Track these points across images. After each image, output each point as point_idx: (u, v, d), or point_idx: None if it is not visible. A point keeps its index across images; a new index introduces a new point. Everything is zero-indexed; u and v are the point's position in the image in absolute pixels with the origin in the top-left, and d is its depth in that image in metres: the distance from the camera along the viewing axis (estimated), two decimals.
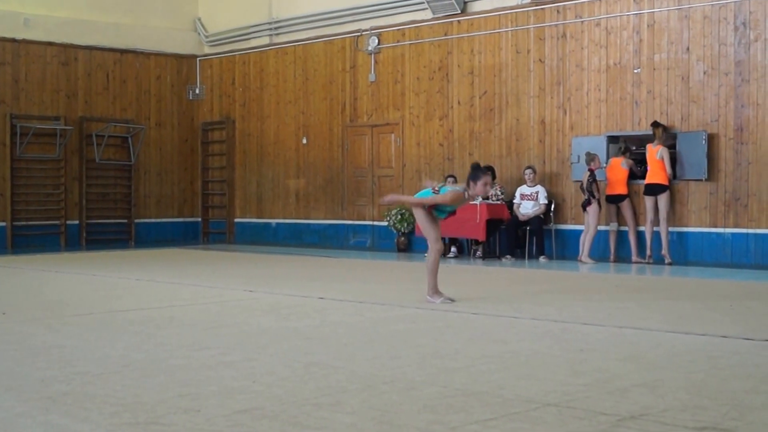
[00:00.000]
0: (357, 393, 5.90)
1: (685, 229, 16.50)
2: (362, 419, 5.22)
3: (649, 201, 16.43)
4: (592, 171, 16.83)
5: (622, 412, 5.34)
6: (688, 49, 16.62)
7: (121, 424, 5.17)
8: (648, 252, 16.47)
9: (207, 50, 25.23)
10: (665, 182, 16.29)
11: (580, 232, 17.62)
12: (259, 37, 23.91)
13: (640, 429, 4.97)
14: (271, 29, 23.61)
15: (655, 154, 16.32)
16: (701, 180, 16.31)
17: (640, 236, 16.71)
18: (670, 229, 16.35)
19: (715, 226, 16.27)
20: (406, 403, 5.60)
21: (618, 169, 16.90)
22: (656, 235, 16.47)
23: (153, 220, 24.66)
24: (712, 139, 16.22)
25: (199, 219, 25.48)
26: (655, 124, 16.43)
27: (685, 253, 16.51)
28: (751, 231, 15.89)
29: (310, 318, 9.67)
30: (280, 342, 8.03)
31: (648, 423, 5.09)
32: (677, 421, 5.12)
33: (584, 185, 16.93)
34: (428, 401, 5.64)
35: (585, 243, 16.89)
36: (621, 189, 16.90)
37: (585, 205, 16.95)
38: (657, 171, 16.31)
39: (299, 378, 6.42)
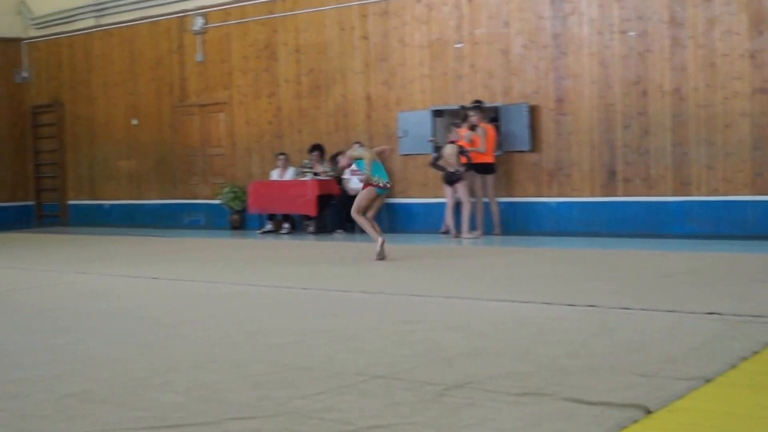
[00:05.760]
0: (185, 372, 5.62)
1: (510, 200, 15.79)
2: (190, 398, 4.98)
3: (482, 178, 15.48)
4: (455, 143, 15.17)
5: (447, 381, 5.16)
6: (507, 23, 15.81)
7: None
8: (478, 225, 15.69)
9: (32, 33, 23.33)
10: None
11: (409, 205, 16.95)
12: (84, 19, 22.16)
13: (465, 397, 4.81)
14: (96, 11, 21.86)
15: (493, 132, 15.40)
16: (525, 151, 15.60)
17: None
18: (498, 200, 15.63)
19: (540, 196, 15.58)
20: (234, 381, 5.36)
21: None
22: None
23: None
24: (533, 111, 15.43)
25: (33, 202, 23.88)
26: (480, 102, 15.60)
27: (511, 223, 15.75)
28: (574, 199, 15.20)
29: (141, 298, 9.28)
30: (111, 324, 7.65)
31: (473, 391, 4.92)
32: (501, 388, 4.94)
33: (448, 159, 15.15)
34: (256, 378, 5.41)
35: (463, 219, 15.15)
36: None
37: (454, 180, 15.19)
38: (490, 150, 15.35)
39: (128, 359, 6.12)
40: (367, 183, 12.25)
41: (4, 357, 6.33)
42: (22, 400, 5.07)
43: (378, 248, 11.97)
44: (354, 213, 12.37)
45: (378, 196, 12.34)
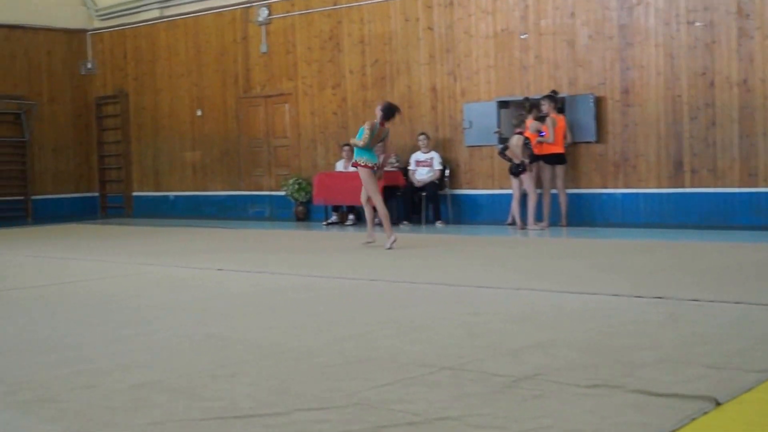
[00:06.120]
0: (254, 363, 5.70)
1: (576, 191, 16.03)
2: (260, 389, 5.02)
3: (551, 169, 15.72)
4: (522, 134, 15.39)
5: (515, 372, 5.18)
6: (572, 14, 16.06)
7: (17, 402, 4.92)
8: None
9: (97, 24, 23.86)
10: None
11: (475, 196, 17.25)
12: (149, 10, 22.60)
13: (533, 389, 4.82)
14: (160, 2, 22.32)
15: (564, 122, 15.66)
16: (591, 142, 15.85)
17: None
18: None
19: (606, 187, 15.83)
20: (303, 372, 5.42)
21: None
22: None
23: (50, 197, 23.47)
24: (599, 102, 15.68)
25: (97, 194, 24.35)
26: (555, 93, 15.83)
27: (577, 214, 15.97)
28: (640, 191, 15.42)
29: (208, 289, 9.37)
30: (178, 315, 7.77)
31: (541, 382, 4.94)
32: (569, 380, 4.96)
33: (514, 150, 15.37)
34: (325, 369, 5.46)
35: (529, 210, 15.36)
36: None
37: (519, 172, 15.44)
38: (560, 141, 15.65)
39: (197, 350, 6.21)
40: (355, 164, 13.16)
41: (72, 348, 6.37)
42: (91, 390, 5.10)
43: (367, 239, 13.56)
44: (377, 203, 13.22)
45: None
